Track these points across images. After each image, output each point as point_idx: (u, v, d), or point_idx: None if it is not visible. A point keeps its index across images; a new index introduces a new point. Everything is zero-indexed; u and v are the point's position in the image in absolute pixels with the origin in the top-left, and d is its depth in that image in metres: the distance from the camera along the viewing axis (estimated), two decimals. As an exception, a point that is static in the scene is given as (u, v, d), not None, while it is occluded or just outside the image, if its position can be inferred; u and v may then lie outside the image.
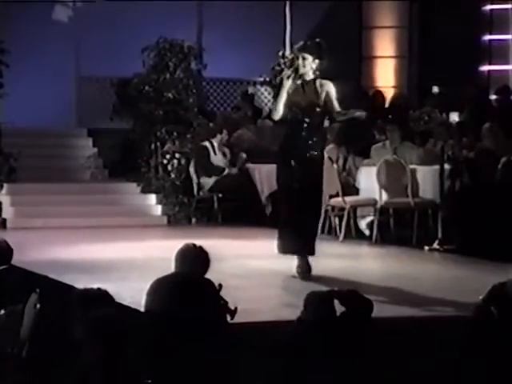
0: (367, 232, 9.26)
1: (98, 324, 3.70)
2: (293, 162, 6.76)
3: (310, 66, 6.83)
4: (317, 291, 4.55)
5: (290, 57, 11.95)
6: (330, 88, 6.88)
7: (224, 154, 11.07)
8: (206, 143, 11.06)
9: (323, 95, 6.83)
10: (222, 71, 12.39)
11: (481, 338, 4.14)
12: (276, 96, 6.93)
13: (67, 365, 4.05)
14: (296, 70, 6.84)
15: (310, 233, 6.91)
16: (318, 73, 6.85)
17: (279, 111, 6.78)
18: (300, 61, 6.83)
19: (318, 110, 6.82)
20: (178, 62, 11.25)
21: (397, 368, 4.68)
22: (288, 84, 6.80)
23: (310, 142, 6.81)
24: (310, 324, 4.30)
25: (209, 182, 10.99)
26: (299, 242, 6.79)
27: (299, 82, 6.82)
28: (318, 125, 6.93)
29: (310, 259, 6.91)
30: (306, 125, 6.80)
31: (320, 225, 9.25)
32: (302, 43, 7.01)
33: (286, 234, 6.84)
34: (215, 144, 11.05)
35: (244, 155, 11.02)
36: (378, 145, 9.92)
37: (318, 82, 6.87)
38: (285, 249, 6.88)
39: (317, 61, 6.84)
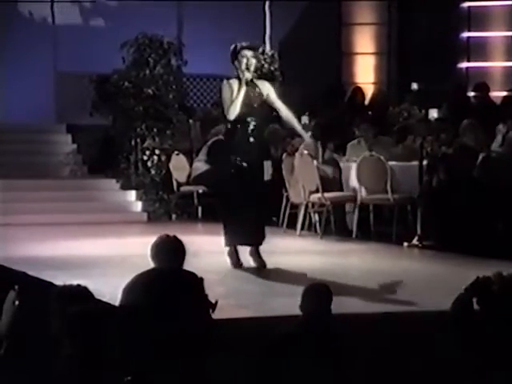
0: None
1: (76, 320, 3.69)
2: (233, 161, 6.88)
3: (254, 66, 6.99)
4: (316, 283, 4.60)
5: (269, 53, 12.00)
6: (270, 89, 7.02)
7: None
8: (222, 137, 10.99)
9: (265, 95, 6.94)
10: (202, 67, 12.38)
11: (459, 329, 4.16)
12: (225, 95, 6.94)
13: (46, 362, 4.04)
14: (247, 70, 6.90)
15: (258, 223, 6.97)
16: (260, 72, 7.00)
17: (235, 111, 6.84)
18: (254, 61, 6.94)
19: (266, 109, 6.99)
20: (157, 58, 11.24)
21: (376, 364, 4.70)
22: (245, 85, 6.86)
23: (255, 145, 6.91)
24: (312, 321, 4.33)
25: (201, 168, 10.95)
26: (247, 233, 6.87)
27: (247, 83, 6.90)
28: (261, 124, 7.07)
29: (293, 255, 6.96)
30: (251, 125, 6.90)
31: (300, 221, 9.37)
32: (247, 43, 7.05)
33: (235, 226, 6.89)
34: None
35: None
36: (353, 142, 9.97)
37: (256, 81, 6.99)
38: (234, 240, 6.94)
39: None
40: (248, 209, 6.82)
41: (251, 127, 6.89)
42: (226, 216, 6.99)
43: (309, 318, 4.40)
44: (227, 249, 7.01)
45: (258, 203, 6.97)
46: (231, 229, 6.91)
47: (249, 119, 6.88)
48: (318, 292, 4.48)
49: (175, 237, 4.83)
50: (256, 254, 6.94)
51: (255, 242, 6.95)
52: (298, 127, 7.24)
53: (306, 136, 7.45)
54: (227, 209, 6.97)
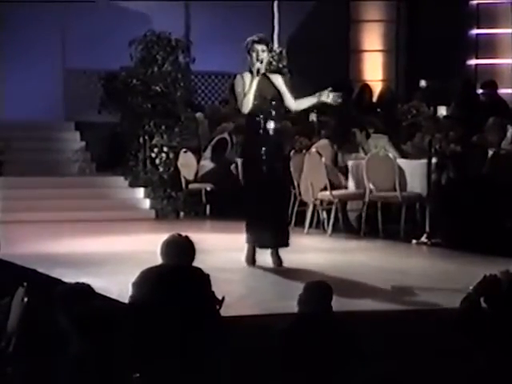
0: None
1: (83, 318, 3.69)
2: (257, 158, 6.84)
3: (267, 59, 6.97)
4: (315, 281, 4.58)
5: (278, 50, 11.98)
6: (280, 81, 6.98)
7: (237, 151, 11.05)
8: (226, 136, 11.00)
9: (277, 88, 6.92)
10: (210, 64, 12.37)
11: (467, 328, 4.15)
12: (237, 89, 6.93)
13: (54, 359, 4.04)
14: (261, 63, 6.90)
15: (283, 225, 7.02)
16: (268, 67, 6.99)
17: (249, 104, 6.83)
18: (265, 54, 6.92)
19: (278, 102, 6.93)
20: (165, 56, 11.23)
21: (383, 362, 4.70)
22: (257, 77, 6.86)
23: (272, 139, 6.89)
24: (310, 318, 4.32)
25: (207, 166, 10.97)
26: (272, 236, 6.89)
27: (259, 76, 6.89)
28: (279, 119, 7.04)
29: (301, 253, 6.95)
30: (268, 120, 6.88)
31: (308, 219, 9.37)
32: (259, 36, 7.02)
33: (258, 227, 6.91)
34: (234, 140, 11.02)
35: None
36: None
37: (269, 75, 6.98)
38: (255, 241, 6.97)
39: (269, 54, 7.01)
40: (272, 208, 6.83)
41: (268, 120, 6.87)
42: (250, 215, 6.98)
43: (306, 315, 4.38)
44: (247, 244, 7.03)
45: (281, 202, 7.01)
46: (254, 229, 6.93)
47: (264, 113, 6.87)
48: (318, 290, 4.46)
49: (186, 236, 4.84)
50: (275, 254, 6.99)
51: (276, 245, 6.97)
52: (314, 99, 6.92)
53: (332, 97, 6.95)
54: (252, 207, 6.96)
